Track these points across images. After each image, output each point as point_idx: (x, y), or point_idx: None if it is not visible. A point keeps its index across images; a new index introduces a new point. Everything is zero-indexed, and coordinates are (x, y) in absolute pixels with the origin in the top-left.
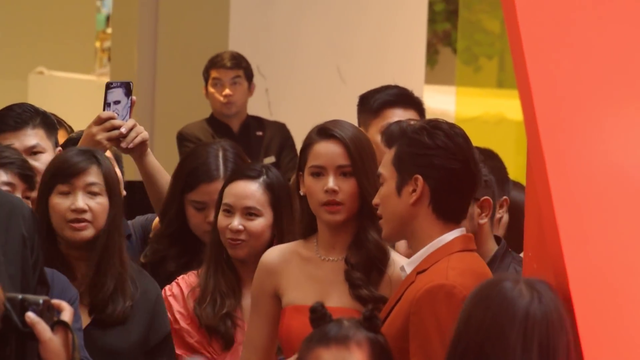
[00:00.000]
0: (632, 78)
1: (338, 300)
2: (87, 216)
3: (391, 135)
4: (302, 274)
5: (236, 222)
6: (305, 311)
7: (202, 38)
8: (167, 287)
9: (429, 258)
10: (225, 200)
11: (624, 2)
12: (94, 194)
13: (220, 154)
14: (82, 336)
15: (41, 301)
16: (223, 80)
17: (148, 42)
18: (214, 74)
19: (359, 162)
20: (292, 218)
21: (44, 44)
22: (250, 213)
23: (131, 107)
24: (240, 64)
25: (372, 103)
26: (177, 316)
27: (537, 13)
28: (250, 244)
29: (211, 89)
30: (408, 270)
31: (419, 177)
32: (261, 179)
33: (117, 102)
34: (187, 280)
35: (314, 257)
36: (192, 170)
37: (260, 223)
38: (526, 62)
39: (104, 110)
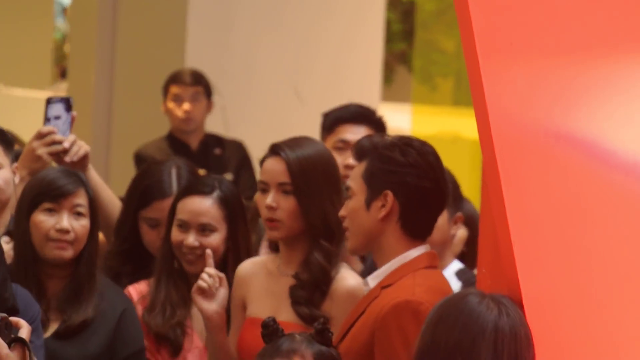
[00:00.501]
0: (588, 94)
1: (287, 315)
2: (69, 237)
3: (361, 149)
4: (262, 287)
5: (191, 239)
6: (258, 324)
7: (160, 55)
8: None
9: (394, 273)
10: (180, 216)
11: (580, 19)
12: (78, 215)
13: (174, 171)
14: (43, 353)
15: None
16: (183, 96)
17: (105, 59)
18: (173, 89)
19: (301, 181)
20: (246, 230)
21: (1, 61)
22: (205, 229)
23: (71, 122)
24: (200, 80)
25: (326, 120)
26: None
27: (493, 32)
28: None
29: (170, 105)
30: (372, 284)
31: (389, 193)
32: (215, 194)
33: (57, 117)
34: (137, 289)
35: (275, 272)
36: (145, 188)
37: (216, 238)
38: (482, 80)
39: (44, 125)
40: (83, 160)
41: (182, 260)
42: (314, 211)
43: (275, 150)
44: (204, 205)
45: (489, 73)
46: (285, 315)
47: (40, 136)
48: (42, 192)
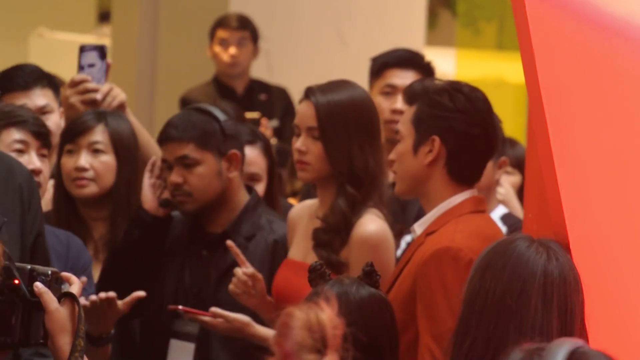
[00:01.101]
0: (636, 43)
1: (313, 257)
2: (89, 174)
3: (413, 93)
4: (303, 230)
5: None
6: (290, 266)
7: (203, 0)
8: None
9: (439, 219)
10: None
11: None
12: (97, 152)
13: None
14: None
15: (49, 272)
16: (229, 40)
17: (149, 4)
18: (220, 33)
19: (327, 126)
20: (280, 181)
21: (44, 4)
22: (253, 179)
23: (107, 70)
24: (247, 25)
25: (373, 64)
26: None
27: None
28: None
29: (216, 49)
30: (418, 231)
31: (437, 138)
32: (258, 144)
33: (91, 65)
34: None
35: (313, 215)
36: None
37: (261, 188)
38: (528, 23)
39: (78, 73)
40: (119, 109)
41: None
42: (339, 157)
43: (307, 94)
44: (252, 155)
45: (535, 15)
46: (312, 257)
47: (73, 84)
48: (64, 134)
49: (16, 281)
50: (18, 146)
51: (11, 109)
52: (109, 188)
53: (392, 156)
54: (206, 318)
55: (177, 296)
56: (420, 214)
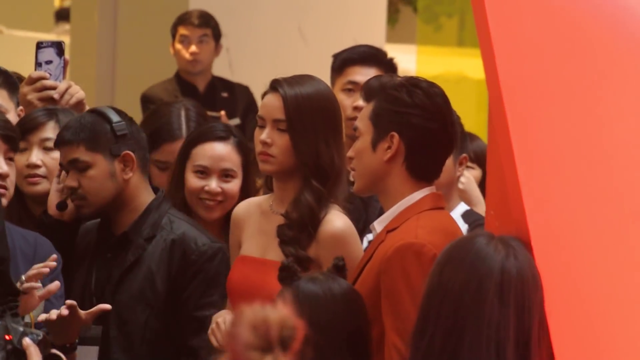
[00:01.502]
0: (595, 31)
1: (275, 254)
2: (41, 171)
3: (370, 90)
4: (256, 226)
5: (214, 184)
6: (247, 262)
7: None
8: None
9: (399, 216)
10: (199, 162)
11: None
12: (49, 149)
13: (183, 113)
14: (62, 303)
15: (40, 334)
16: (190, 38)
17: (108, 0)
18: (181, 30)
19: (295, 119)
20: (254, 179)
21: (3, 2)
22: (227, 174)
23: (64, 67)
24: (208, 22)
25: (335, 61)
26: None
27: None
28: (225, 206)
29: (178, 46)
30: (378, 228)
31: (395, 134)
32: (232, 140)
33: (48, 62)
34: None
35: (268, 210)
36: (154, 130)
37: (236, 184)
38: (488, 19)
39: (35, 70)
40: (78, 106)
41: (198, 208)
42: (306, 150)
43: (274, 86)
44: (225, 150)
45: (495, 11)
46: (273, 254)
47: (30, 82)
48: (18, 131)
49: (7, 337)
50: None
51: None
52: None
53: (350, 153)
54: None
55: (83, 300)
56: (382, 212)
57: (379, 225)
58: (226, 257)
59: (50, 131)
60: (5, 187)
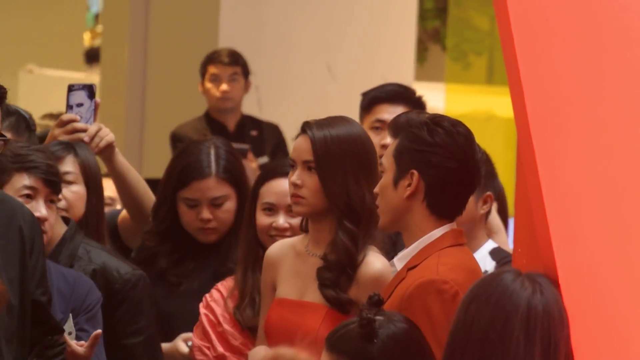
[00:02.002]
0: (624, 76)
1: (314, 296)
2: (61, 204)
3: (396, 126)
4: (291, 268)
5: (282, 220)
6: (284, 304)
7: (193, 35)
8: (207, 295)
9: (419, 254)
10: (267, 199)
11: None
12: (68, 183)
13: (212, 151)
14: (101, 341)
15: None
16: (221, 76)
17: (138, 39)
18: (212, 69)
19: (323, 160)
20: None
21: (34, 42)
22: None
23: (95, 109)
24: (238, 60)
25: (363, 99)
26: (220, 319)
27: (529, 9)
28: None
29: (208, 85)
30: (398, 266)
31: (415, 172)
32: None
33: (79, 105)
34: (225, 285)
35: (303, 252)
36: (184, 168)
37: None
38: (517, 57)
39: (66, 112)
40: (108, 149)
41: (268, 245)
42: (336, 190)
43: (304, 128)
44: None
45: (524, 50)
46: (312, 296)
47: (61, 124)
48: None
49: None
50: (26, 192)
51: (26, 152)
52: (80, 218)
53: (376, 189)
54: None
55: None
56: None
57: (399, 262)
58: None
59: (69, 165)
60: (44, 231)
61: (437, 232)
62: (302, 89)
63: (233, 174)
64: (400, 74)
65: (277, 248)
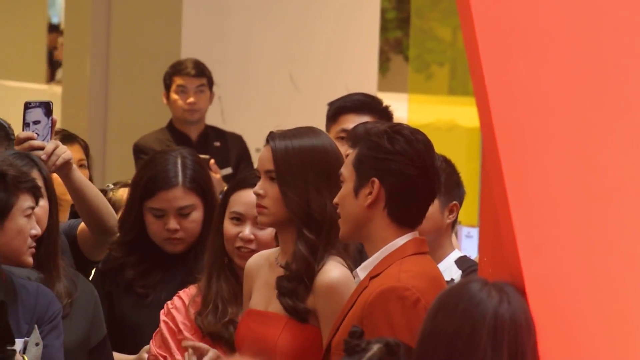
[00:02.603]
0: (588, 83)
1: (275, 306)
2: None
3: (355, 136)
4: (263, 279)
5: (247, 231)
6: (252, 315)
7: (155, 46)
8: (168, 302)
9: (382, 262)
10: (235, 208)
11: (581, 6)
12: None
13: (179, 161)
14: (62, 355)
15: None
16: (188, 88)
17: (100, 50)
18: (178, 81)
19: (283, 170)
20: None
21: None
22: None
23: (52, 127)
24: (204, 72)
25: (329, 109)
26: (181, 327)
27: (493, 17)
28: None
29: (174, 96)
30: (361, 275)
31: (376, 180)
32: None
33: (36, 122)
34: (187, 293)
35: (274, 263)
36: (150, 178)
37: (270, 232)
38: (482, 66)
39: (23, 130)
40: (65, 167)
41: (233, 255)
42: (295, 200)
43: (267, 139)
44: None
45: (489, 58)
46: (274, 306)
47: (18, 142)
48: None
49: None
50: (30, 212)
51: (22, 170)
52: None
53: (335, 200)
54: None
55: None
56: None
57: (362, 271)
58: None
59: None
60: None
61: (400, 241)
62: (266, 99)
63: (200, 184)
64: (363, 84)
65: (255, 260)
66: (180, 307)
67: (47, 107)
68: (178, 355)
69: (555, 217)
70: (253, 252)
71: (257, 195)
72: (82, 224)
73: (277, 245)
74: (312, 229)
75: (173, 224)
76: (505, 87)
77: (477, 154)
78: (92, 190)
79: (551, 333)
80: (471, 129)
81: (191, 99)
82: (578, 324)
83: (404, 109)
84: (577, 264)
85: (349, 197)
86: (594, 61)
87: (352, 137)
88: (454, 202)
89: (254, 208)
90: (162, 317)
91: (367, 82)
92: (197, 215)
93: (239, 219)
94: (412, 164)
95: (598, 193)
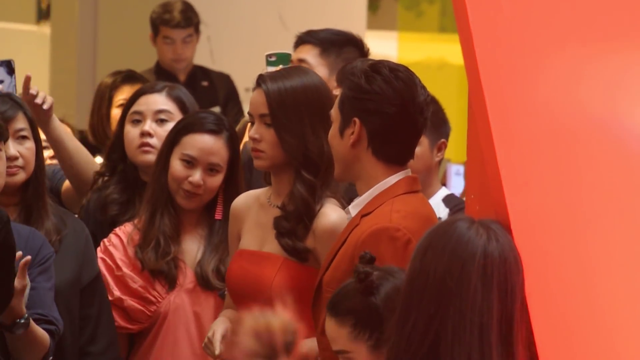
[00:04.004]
0: (572, 22)
1: (271, 246)
2: (19, 162)
3: (340, 75)
4: (254, 220)
5: (198, 177)
6: (244, 255)
7: None
8: (105, 240)
9: (373, 201)
10: (188, 151)
11: None
12: (23, 139)
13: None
14: (52, 296)
15: None
16: (174, 38)
17: None
18: (165, 31)
19: (279, 113)
20: (241, 174)
21: None
22: (212, 169)
23: (26, 82)
24: (191, 20)
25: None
26: (119, 263)
27: None
28: (202, 199)
29: (161, 45)
30: (353, 212)
31: (357, 120)
32: (224, 135)
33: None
34: (124, 230)
35: (266, 204)
36: (136, 91)
37: (219, 179)
38: (466, 5)
39: None
40: (46, 113)
41: (176, 195)
42: (293, 141)
43: (258, 81)
44: (216, 145)
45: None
46: (270, 247)
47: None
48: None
49: None
50: None
51: None
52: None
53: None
54: None
55: None
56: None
57: (353, 209)
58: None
59: (21, 122)
60: (21, 167)
61: (392, 179)
62: (254, 38)
63: (182, 101)
64: (352, 22)
65: (242, 200)
66: (117, 244)
67: (8, 66)
68: (116, 291)
69: (538, 154)
70: (199, 196)
71: (254, 139)
72: (66, 183)
73: (264, 186)
74: (310, 170)
75: (149, 126)
76: (489, 25)
77: (467, 91)
78: (75, 144)
79: (535, 269)
80: (461, 66)
81: (178, 50)
82: (561, 260)
83: (393, 47)
84: (562, 200)
85: (336, 138)
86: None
87: (338, 77)
88: (442, 139)
89: (208, 155)
90: (100, 254)
91: (356, 20)
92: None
93: (191, 162)
94: (389, 102)
95: (582, 130)
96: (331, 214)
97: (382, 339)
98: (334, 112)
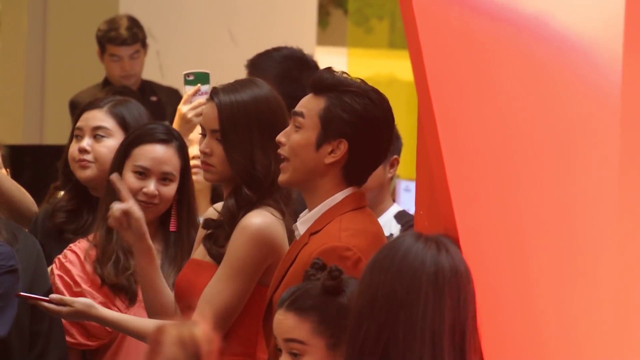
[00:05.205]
0: (522, 36)
1: (199, 252)
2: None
3: (322, 84)
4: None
5: (152, 187)
6: (190, 264)
7: (93, 1)
8: (60, 256)
9: (321, 218)
10: (140, 162)
11: None
12: None
13: (111, 97)
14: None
15: None
16: (122, 56)
17: (37, 5)
18: (111, 49)
19: (229, 130)
20: (192, 184)
21: None
22: (165, 178)
23: None
24: (137, 36)
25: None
26: (78, 279)
27: None
28: (158, 209)
29: (108, 61)
30: (301, 229)
31: (344, 141)
32: (174, 144)
33: None
34: (79, 247)
35: (217, 216)
36: (82, 107)
37: (172, 189)
38: (416, 20)
39: None
40: None
41: None
42: (240, 160)
43: (211, 95)
44: (167, 154)
45: (423, 13)
46: (198, 253)
47: None
48: None
49: None
50: None
51: None
52: None
53: (283, 139)
54: (49, 305)
55: None
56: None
57: (302, 226)
58: None
59: None
60: None
61: (339, 196)
62: (204, 53)
63: (123, 117)
64: (302, 38)
65: (210, 213)
66: (74, 260)
67: None
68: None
69: (487, 169)
70: (155, 206)
71: (204, 153)
72: None
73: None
74: (253, 187)
75: (86, 142)
76: (439, 39)
77: (416, 107)
78: (6, 182)
79: (483, 285)
80: (411, 83)
81: (126, 66)
82: (510, 275)
83: (343, 63)
84: (510, 216)
85: (308, 148)
86: (528, 18)
87: (317, 83)
88: (395, 156)
89: (160, 164)
90: (56, 271)
91: (306, 36)
92: (111, 143)
93: (144, 173)
94: (379, 129)
95: (530, 146)
96: (254, 216)
97: (342, 339)
98: (310, 120)
